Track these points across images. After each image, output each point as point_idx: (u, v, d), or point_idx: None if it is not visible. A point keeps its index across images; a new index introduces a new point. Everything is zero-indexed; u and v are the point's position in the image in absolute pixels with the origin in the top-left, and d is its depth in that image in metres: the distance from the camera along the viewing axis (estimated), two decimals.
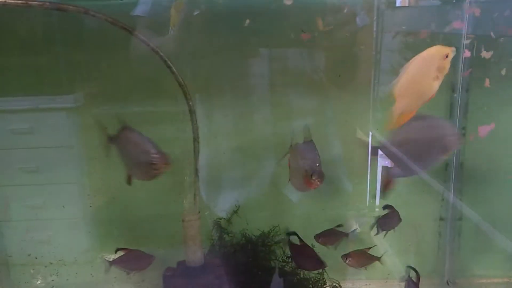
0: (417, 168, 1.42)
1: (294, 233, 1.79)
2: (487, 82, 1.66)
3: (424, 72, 1.26)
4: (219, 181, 1.98)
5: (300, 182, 1.40)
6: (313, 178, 1.32)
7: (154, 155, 1.26)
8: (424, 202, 2.02)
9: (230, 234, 1.96)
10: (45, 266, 2.00)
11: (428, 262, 2.07)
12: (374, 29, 1.80)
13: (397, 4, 1.85)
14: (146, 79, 1.75)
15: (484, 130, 1.44)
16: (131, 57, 1.60)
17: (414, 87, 1.28)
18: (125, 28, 1.27)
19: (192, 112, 1.48)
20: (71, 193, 1.94)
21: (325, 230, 1.83)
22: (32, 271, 2.00)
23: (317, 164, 1.35)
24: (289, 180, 1.50)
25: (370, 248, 1.83)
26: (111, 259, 1.76)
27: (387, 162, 1.94)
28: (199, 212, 1.68)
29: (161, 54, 1.31)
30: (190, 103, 1.45)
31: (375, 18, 1.79)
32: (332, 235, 1.82)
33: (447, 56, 1.24)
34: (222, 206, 1.96)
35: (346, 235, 1.83)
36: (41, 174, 1.90)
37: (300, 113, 1.90)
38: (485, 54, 1.56)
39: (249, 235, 1.96)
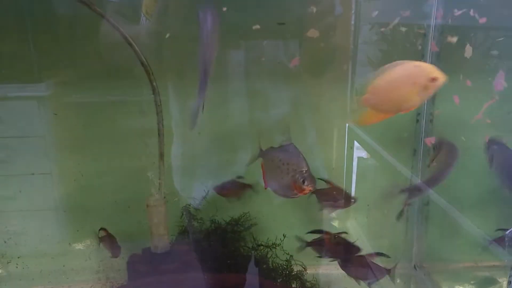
0: None
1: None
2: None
3: (405, 81, 1.20)
4: (194, 169, 1.94)
5: (286, 189, 1.29)
6: (306, 184, 1.23)
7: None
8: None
9: (199, 221, 1.94)
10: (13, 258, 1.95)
11: (395, 247, 2.09)
12: (352, 21, 1.78)
13: None
14: (121, 67, 1.68)
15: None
16: (105, 44, 1.54)
17: (390, 91, 1.22)
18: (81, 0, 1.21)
19: (156, 93, 1.43)
20: (42, 184, 1.88)
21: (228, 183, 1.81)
22: None
23: (306, 169, 1.25)
24: (266, 187, 1.39)
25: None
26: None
27: (364, 154, 1.97)
28: (165, 197, 1.65)
29: (122, 30, 1.26)
30: (154, 83, 1.41)
31: (353, 10, 1.76)
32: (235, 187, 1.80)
33: (433, 80, 1.17)
34: (196, 194, 1.92)
35: (250, 186, 1.79)
36: (10, 165, 1.84)
37: (276, 104, 1.88)
38: (451, 39, 1.56)
39: (218, 221, 1.94)
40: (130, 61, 1.47)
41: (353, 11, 1.76)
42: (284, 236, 1.87)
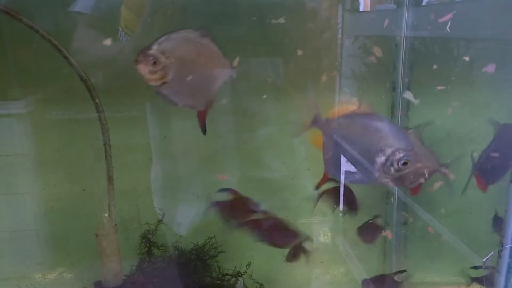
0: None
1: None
2: None
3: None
4: (177, 194, 1.83)
5: None
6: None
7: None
8: (368, 206, 1.92)
9: (160, 248, 1.79)
10: None
11: (374, 269, 1.96)
12: (339, 35, 1.74)
13: (361, 9, 1.83)
14: (105, 83, 1.56)
15: None
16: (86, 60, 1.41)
17: None
18: (7, 11, 1.09)
19: (100, 111, 1.30)
20: (23, 203, 1.78)
21: None
22: None
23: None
24: None
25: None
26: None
27: (352, 168, 1.88)
28: (116, 225, 1.50)
29: (55, 42, 1.14)
30: (97, 100, 1.28)
31: (339, 24, 1.73)
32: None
33: None
34: (180, 221, 1.81)
35: None
36: None
37: (264, 121, 1.80)
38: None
39: (182, 247, 1.80)
40: (118, 77, 1.40)
41: (339, 26, 1.73)
42: (249, 263, 1.73)
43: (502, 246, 1.00)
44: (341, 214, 1.76)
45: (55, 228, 1.82)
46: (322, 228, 1.97)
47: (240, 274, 1.71)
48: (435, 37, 1.75)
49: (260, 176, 1.84)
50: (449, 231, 1.87)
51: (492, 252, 1.03)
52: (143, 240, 1.77)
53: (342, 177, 1.54)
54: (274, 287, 1.81)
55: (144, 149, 1.76)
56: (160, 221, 1.73)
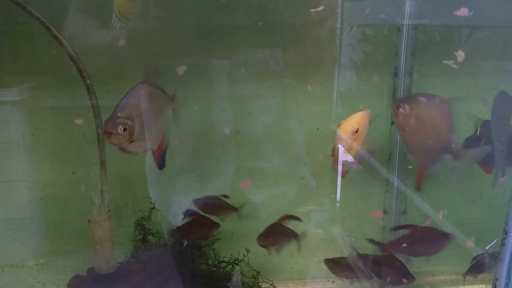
0: None
1: None
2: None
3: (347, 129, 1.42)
4: (173, 182, 1.81)
5: None
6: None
7: None
8: (367, 194, 1.89)
9: (155, 235, 1.76)
10: None
11: None
12: (338, 25, 1.72)
13: None
14: (100, 70, 1.55)
15: None
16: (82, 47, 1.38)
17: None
18: None
19: (91, 93, 1.26)
20: (17, 191, 1.77)
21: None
22: None
23: None
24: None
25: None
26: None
27: (350, 158, 1.85)
28: (109, 211, 1.47)
29: (43, 20, 1.09)
30: (88, 81, 1.23)
31: (339, 13, 1.70)
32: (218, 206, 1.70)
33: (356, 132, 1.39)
34: (176, 209, 1.78)
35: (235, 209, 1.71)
36: None
37: (262, 109, 1.77)
38: None
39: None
40: (114, 64, 1.41)
41: (339, 15, 1.70)
42: (248, 251, 1.70)
43: (506, 233, 0.98)
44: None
45: (49, 215, 1.80)
46: (319, 217, 1.95)
47: (237, 262, 1.69)
48: (436, 24, 1.74)
49: (258, 165, 1.82)
50: (448, 221, 1.85)
51: (496, 240, 1.01)
52: (138, 227, 1.75)
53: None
54: (270, 275, 1.78)
55: None
56: (152, 208, 1.70)
